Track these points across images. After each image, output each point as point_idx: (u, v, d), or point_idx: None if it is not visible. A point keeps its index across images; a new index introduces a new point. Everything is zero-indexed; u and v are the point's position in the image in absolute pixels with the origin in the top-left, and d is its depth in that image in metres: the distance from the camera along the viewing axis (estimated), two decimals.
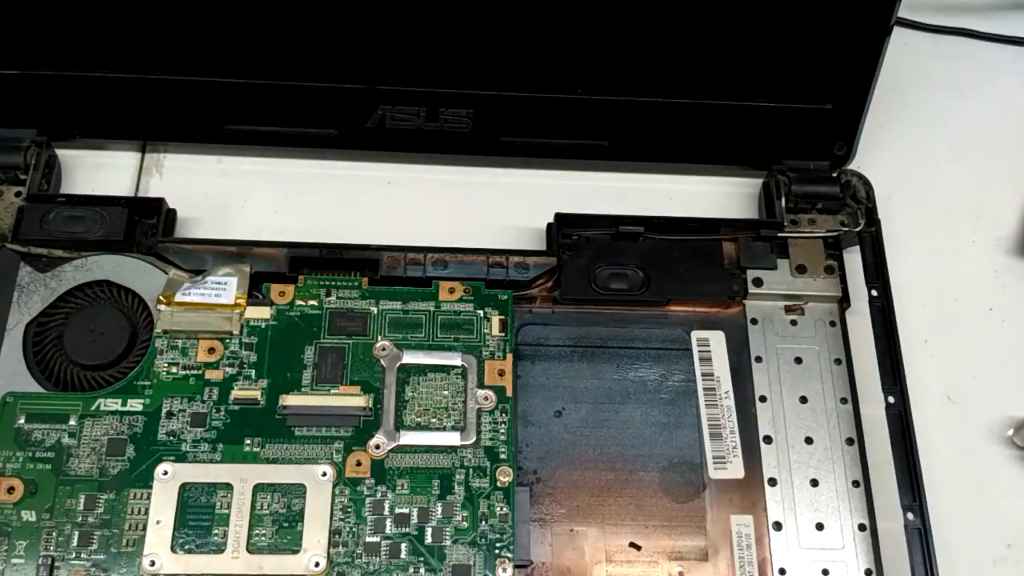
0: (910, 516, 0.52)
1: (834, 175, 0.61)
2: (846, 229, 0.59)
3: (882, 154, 0.65)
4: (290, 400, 0.52)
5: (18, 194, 0.56)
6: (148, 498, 0.50)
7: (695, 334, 0.57)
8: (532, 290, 0.57)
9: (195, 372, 0.53)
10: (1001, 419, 0.58)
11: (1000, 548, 0.55)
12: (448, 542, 0.50)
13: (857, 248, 0.59)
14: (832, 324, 0.58)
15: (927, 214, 0.64)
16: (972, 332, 0.60)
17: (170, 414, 0.52)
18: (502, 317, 0.55)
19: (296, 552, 0.49)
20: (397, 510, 0.50)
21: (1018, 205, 0.64)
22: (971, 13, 0.71)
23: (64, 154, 0.60)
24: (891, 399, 0.55)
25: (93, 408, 0.51)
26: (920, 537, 0.52)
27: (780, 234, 0.59)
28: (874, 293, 0.58)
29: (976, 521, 0.55)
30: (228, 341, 0.53)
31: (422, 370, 0.54)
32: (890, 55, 0.57)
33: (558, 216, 0.58)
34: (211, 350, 0.53)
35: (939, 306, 0.61)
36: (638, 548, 0.52)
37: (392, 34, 0.56)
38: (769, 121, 0.60)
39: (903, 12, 0.63)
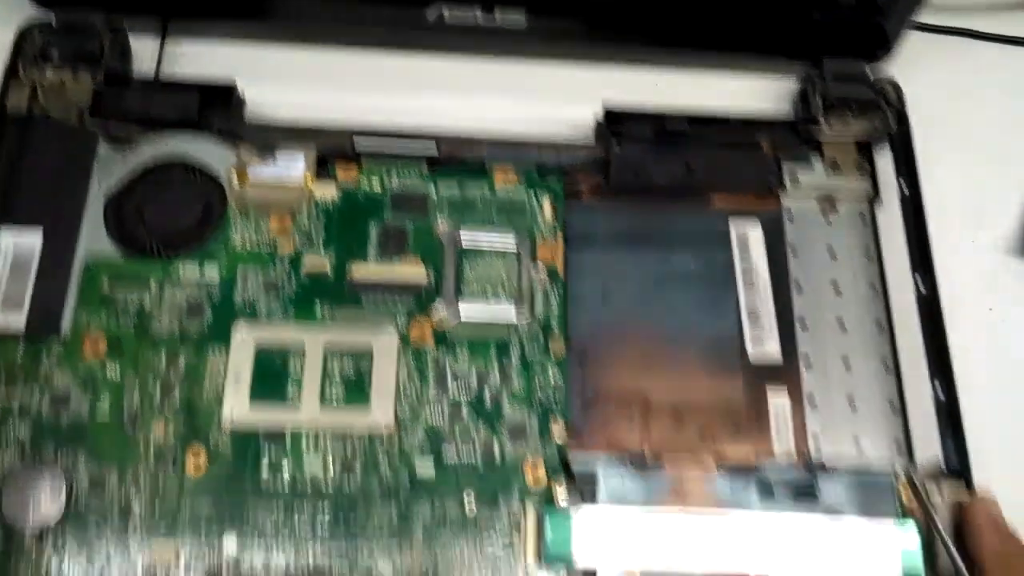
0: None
1: (868, 79, 0.63)
2: (879, 130, 0.62)
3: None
4: (357, 271, 0.55)
5: (93, 76, 0.59)
6: (226, 356, 0.53)
7: (734, 224, 0.60)
8: (579, 182, 0.60)
9: (267, 245, 0.56)
10: None
11: None
12: (506, 405, 0.53)
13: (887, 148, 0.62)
14: (863, 219, 0.61)
15: (927, 214, 0.61)
16: (972, 332, 0.60)
17: (244, 282, 0.55)
18: (553, 202, 0.58)
19: (365, 409, 0.52)
20: (458, 374, 0.54)
21: (1018, 205, 0.65)
22: (971, 13, 0.70)
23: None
24: (922, 288, 0.58)
25: (172, 274, 0.54)
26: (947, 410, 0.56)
27: (816, 134, 0.62)
28: (905, 190, 0.61)
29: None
30: (298, 217, 0.56)
31: (479, 248, 0.57)
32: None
33: (607, 111, 0.61)
34: (281, 225, 0.56)
35: None
36: (681, 421, 0.55)
37: None
38: (813, 16, 0.62)
39: None
